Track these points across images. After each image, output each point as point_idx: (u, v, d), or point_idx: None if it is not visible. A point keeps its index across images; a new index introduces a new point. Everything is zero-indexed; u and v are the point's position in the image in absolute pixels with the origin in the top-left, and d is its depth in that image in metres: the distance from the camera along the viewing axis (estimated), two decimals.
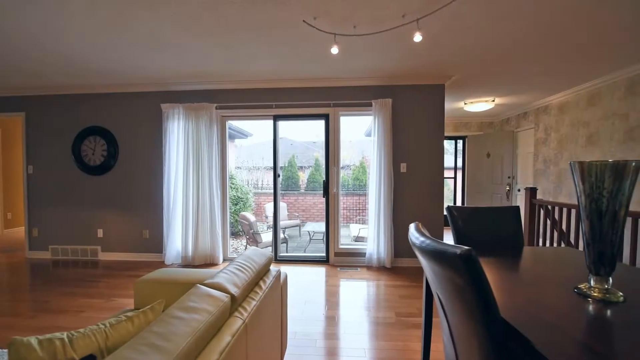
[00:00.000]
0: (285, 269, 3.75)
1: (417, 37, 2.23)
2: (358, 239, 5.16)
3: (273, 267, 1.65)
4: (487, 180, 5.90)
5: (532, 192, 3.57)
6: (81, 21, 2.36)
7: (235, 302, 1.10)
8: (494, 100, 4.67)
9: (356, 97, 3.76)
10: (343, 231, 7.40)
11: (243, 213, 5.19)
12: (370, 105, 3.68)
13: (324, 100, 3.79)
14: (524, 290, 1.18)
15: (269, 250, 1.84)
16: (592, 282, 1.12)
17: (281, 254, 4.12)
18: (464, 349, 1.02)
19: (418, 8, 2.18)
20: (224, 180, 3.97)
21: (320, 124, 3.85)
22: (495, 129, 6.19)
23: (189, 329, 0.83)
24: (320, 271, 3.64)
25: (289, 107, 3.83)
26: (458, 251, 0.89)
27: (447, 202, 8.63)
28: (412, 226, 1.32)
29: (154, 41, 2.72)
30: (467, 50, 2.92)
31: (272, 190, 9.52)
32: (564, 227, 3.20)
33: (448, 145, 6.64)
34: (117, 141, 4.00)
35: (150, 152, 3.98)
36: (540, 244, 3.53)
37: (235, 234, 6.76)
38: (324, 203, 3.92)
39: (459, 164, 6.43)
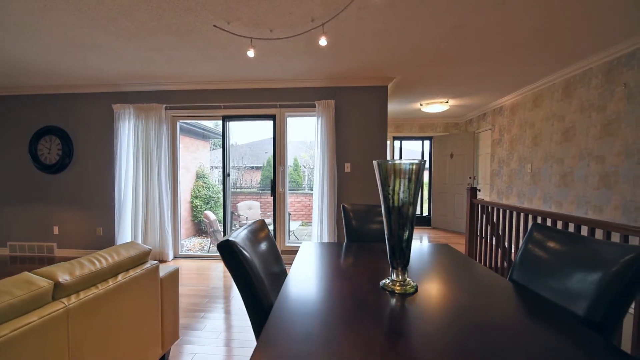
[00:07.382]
0: None
1: (323, 41, 2.31)
2: None
3: (157, 262, 1.75)
4: (451, 180, 5.98)
5: (472, 191, 3.66)
6: (7, 24, 2.47)
7: (63, 289, 1.20)
8: (447, 102, 4.75)
9: (302, 98, 3.85)
10: (309, 230, 7.49)
11: (206, 212, 5.30)
12: (315, 106, 3.77)
13: (270, 102, 3.89)
14: (339, 282, 1.25)
15: (146, 246, 1.94)
16: (392, 276, 1.20)
17: None
18: None
19: (322, 14, 2.27)
20: (175, 180, 4.07)
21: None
22: (460, 129, 6.26)
23: None
24: None
25: (237, 108, 3.92)
26: (219, 243, 0.98)
27: None
28: (252, 223, 1.41)
29: (88, 44, 2.82)
30: (393, 53, 3.01)
31: (249, 190, 9.53)
32: (507, 227, 3.27)
33: (415, 145, 6.72)
34: (71, 140, 4.11)
35: (103, 151, 4.09)
36: (479, 241, 3.61)
37: (206, 232, 6.88)
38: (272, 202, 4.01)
39: (426, 164, 6.50)
